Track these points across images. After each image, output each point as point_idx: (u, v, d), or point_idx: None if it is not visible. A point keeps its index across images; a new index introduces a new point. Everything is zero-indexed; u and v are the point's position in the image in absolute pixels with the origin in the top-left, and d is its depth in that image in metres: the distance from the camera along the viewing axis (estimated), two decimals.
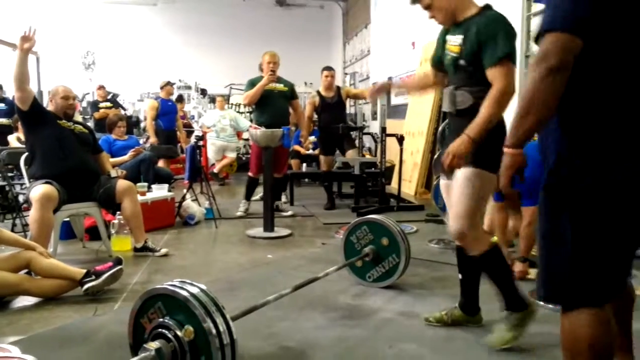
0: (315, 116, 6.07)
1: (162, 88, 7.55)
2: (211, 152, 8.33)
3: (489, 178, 2.05)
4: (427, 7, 2.20)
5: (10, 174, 4.92)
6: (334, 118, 5.81)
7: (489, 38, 1.99)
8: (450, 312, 2.43)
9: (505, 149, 1.43)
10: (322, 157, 6.05)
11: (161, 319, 1.68)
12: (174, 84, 8.00)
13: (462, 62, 2.08)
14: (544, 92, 1.29)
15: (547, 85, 1.28)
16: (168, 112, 7.43)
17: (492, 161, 1.98)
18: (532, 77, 1.30)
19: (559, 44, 1.26)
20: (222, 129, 8.29)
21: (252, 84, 5.24)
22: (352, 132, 6.23)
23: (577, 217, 1.34)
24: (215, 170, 8.25)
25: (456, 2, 2.14)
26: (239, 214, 5.43)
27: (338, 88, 6.02)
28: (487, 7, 2.13)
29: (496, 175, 1.98)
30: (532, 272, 3.15)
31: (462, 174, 2.07)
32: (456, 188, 2.11)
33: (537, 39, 1.33)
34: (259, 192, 5.58)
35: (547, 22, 1.31)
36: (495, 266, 2.18)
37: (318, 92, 5.95)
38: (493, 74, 1.98)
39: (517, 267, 3.21)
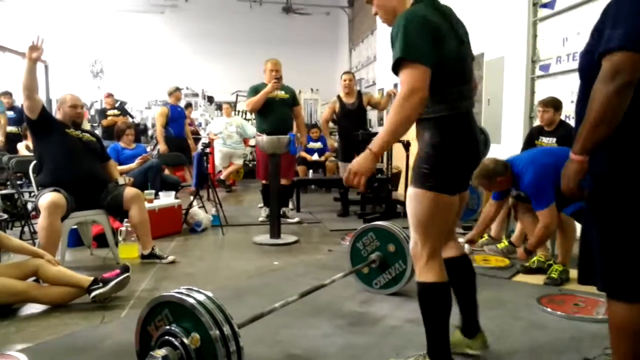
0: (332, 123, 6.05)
1: (170, 94, 7.51)
2: (218, 159, 8.37)
3: (434, 199, 1.80)
4: (369, 2, 2.00)
5: (19, 182, 4.96)
6: (355, 125, 5.73)
7: (393, 42, 1.76)
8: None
9: (573, 156, 1.53)
10: (340, 164, 6.02)
11: (168, 327, 1.69)
12: (181, 89, 7.82)
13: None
14: (617, 106, 1.42)
15: (620, 99, 1.41)
16: (178, 118, 7.30)
17: (440, 181, 1.80)
18: (605, 91, 1.41)
19: (631, 62, 1.38)
20: (228, 135, 8.33)
21: (254, 90, 5.25)
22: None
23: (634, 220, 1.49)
24: (222, 177, 8.28)
25: (393, 1, 1.91)
26: (261, 219, 5.48)
27: (359, 94, 5.97)
28: (416, 1, 1.86)
29: (448, 196, 1.82)
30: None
31: (408, 194, 1.90)
32: (407, 209, 1.92)
33: (602, 54, 1.44)
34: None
35: (617, 39, 1.40)
36: (430, 306, 1.88)
37: (339, 97, 5.89)
38: (399, 80, 1.74)
39: (520, 251, 3.44)
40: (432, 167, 1.81)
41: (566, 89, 4.64)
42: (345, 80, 5.85)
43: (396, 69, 1.74)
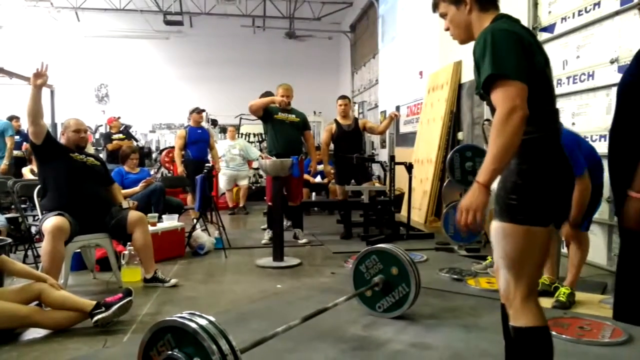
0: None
1: (190, 115, 7.15)
2: (222, 182, 8.41)
3: (526, 234, 1.61)
4: (443, 16, 1.89)
5: (23, 206, 4.98)
6: (350, 147, 5.84)
7: (479, 60, 1.65)
8: None
9: (633, 194, 1.49)
10: (337, 187, 6.07)
11: (170, 352, 1.68)
12: (202, 110, 7.27)
13: (481, 90, 1.68)
14: None
15: None
16: (197, 141, 6.87)
17: (531, 213, 1.61)
18: None
19: None
20: (231, 158, 8.38)
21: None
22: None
23: None
24: (241, 204, 8.43)
25: (470, 18, 1.78)
26: (264, 242, 5.48)
27: (356, 119, 6.09)
28: (496, 18, 1.75)
29: (542, 228, 1.63)
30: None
31: (493, 228, 1.69)
32: (493, 244, 1.73)
33: None
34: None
35: None
36: (531, 352, 1.66)
37: (335, 120, 6.00)
38: (493, 101, 1.61)
39: (565, 229, 3.13)
40: (521, 197, 1.61)
41: (567, 112, 4.67)
42: (340, 105, 5.96)
43: (487, 88, 1.60)
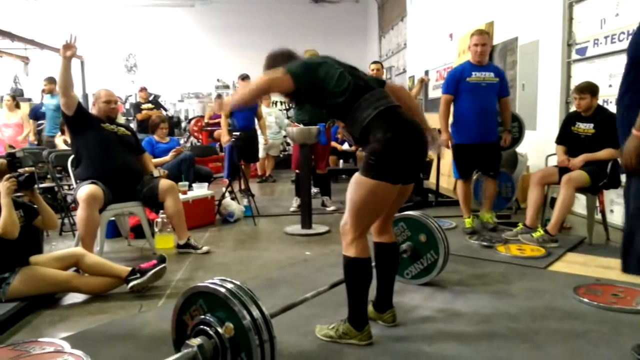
0: None
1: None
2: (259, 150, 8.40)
3: (373, 186, 2.04)
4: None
5: (58, 175, 5.12)
6: None
7: None
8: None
9: (635, 132, 1.72)
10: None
11: (202, 316, 1.73)
12: (246, 77, 6.75)
13: None
14: None
15: None
16: (244, 109, 6.30)
17: (381, 170, 2.03)
18: None
19: None
20: (267, 126, 8.35)
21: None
22: None
23: None
24: (268, 173, 8.45)
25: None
26: (292, 209, 5.53)
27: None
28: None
29: (388, 184, 2.03)
30: None
31: (352, 179, 2.14)
32: (348, 191, 2.17)
33: None
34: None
35: None
36: (352, 277, 2.18)
37: None
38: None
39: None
40: (382, 158, 2.04)
41: (604, 73, 4.49)
42: (373, 70, 5.84)
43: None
